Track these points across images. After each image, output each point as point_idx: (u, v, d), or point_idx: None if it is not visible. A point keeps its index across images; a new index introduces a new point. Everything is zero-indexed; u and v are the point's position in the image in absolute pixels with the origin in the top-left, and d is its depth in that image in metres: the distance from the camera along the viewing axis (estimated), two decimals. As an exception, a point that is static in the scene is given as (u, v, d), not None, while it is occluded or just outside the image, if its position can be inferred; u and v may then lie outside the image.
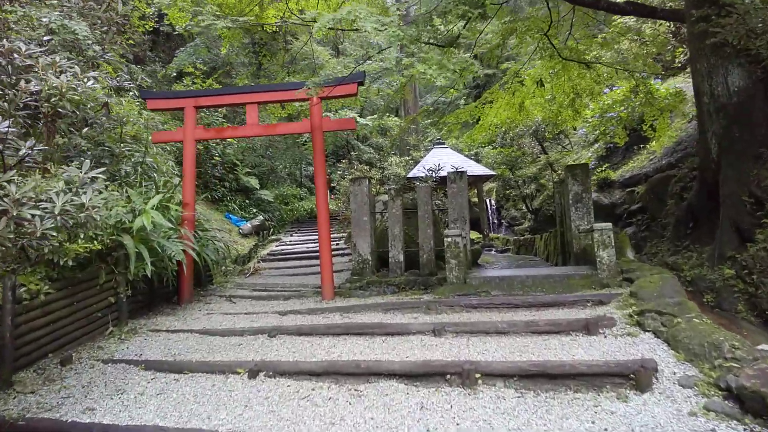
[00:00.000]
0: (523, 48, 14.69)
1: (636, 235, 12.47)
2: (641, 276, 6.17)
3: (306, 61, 17.93)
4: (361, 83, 7.78)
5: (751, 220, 7.38)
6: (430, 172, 13.60)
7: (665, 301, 5.29)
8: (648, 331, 5.12)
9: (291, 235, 17.64)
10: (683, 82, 15.77)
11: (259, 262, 12.59)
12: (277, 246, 15.49)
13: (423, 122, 24.34)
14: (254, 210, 18.66)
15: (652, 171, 13.43)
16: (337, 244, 12.99)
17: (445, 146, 19.71)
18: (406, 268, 9.48)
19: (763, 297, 6.50)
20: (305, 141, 21.92)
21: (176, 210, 7.33)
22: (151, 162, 8.12)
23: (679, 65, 16.87)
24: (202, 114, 15.96)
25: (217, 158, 17.62)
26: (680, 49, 16.13)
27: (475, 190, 19.78)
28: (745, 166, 7.75)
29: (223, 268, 10.04)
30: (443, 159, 18.36)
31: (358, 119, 19.01)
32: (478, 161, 22.54)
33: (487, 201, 23.71)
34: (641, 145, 16.11)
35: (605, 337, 5.09)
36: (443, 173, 14.81)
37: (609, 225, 6.87)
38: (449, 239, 7.38)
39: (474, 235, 20.58)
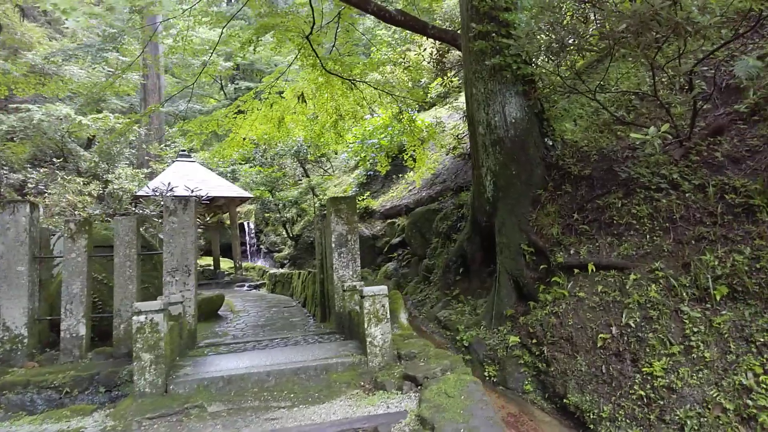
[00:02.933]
0: (283, 50, 12.48)
1: (397, 272, 11.04)
2: (429, 372, 4.10)
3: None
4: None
5: (532, 274, 6.06)
6: (156, 192, 10.16)
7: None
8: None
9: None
10: (434, 116, 15.40)
11: None
12: None
13: (170, 131, 20.28)
14: None
15: (412, 203, 12.29)
16: None
17: (192, 160, 16.23)
18: (94, 346, 6.07)
19: (557, 376, 5.06)
20: (5, 140, 16.01)
21: None
22: None
23: (436, 96, 16.56)
24: None
25: None
26: (440, 79, 15.72)
27: (228, 213, 16.72)
28: (523, 210, 6.49)
29: None
30: (189, 175, 14.93)
31: (75, 116, 14.31)
32: (235, 180, 19.52)
33: (246, 225, 20.78)
34: (400, 175, 15.25)
35: None
36: (184, 193, 11.46)
37: (383, 289, 4.75)
38: (142, 318, 4.34)
39: (226, 264, 17.42)
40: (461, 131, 12.83)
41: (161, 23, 12.88)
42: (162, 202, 10.14)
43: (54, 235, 7.54)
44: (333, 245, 6.70)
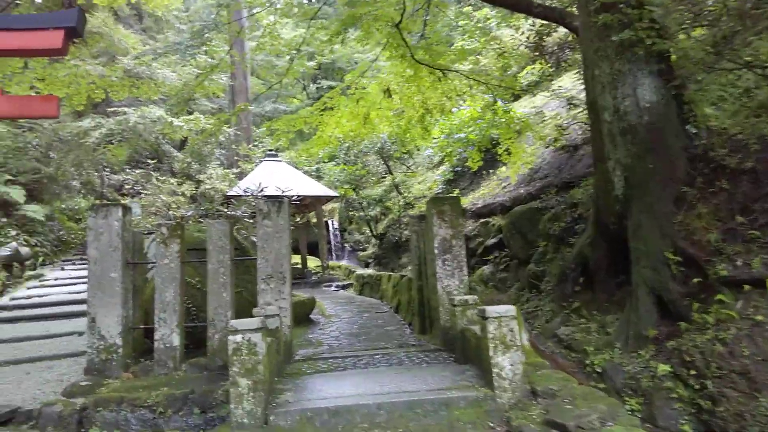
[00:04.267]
0: (370, 42, 11.90)
1: (494, 276, 10.13)
2: (582, 421, 3.24)
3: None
4: (74, 31, 3.94)
5: (681, 289, 5.00)
6: (248, 192, 9.89)
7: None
8: None
9: (62, 269, 12.57)
10: (528, 106, 14.22)
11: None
12: (28, 288, 10.48)
13: (257, 131, 20.45)
14: (14, 233, 13.18)
15: (508, 201, 11.27)
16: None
17: (278, 159, 16.11)
18: (189, 355, 5.75)
19: (728, 419, 4.03)
20: (105, 142, 16.72)
21: None
22: None
23: (527, 84, 15.34)
24: None
25: (-49, 159, 12.03)
26: (530, 67, 14.54)
27: (314, 212, 16.48)
28: (665, 211, 5.42)
29: None
30: (275, 175, 14.78)
31: (170, 118, 14.57)
32: (319, 178, 19.32)
33: (330, 223, 20.56)
34: (490, 170, 14.24)
35: None
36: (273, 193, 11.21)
37: (511, 310, 3.95)
38: (238, 338, 3.82)
39: (313, 263, 17.22)
40: (564, 120, 11.66)
41: (246, 18, 12.73)
42: (253, 203, 9.89)
43: (148, 236, 7.36)
44: (435, 251, 5.97)
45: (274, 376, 4.53)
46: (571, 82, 12.73)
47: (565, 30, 10.66)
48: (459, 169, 15.52)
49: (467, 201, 13.80)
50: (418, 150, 19.17)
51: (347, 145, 18.37)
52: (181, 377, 5.33)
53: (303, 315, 8.70)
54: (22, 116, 3.72)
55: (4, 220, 13.51)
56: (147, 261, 6.24)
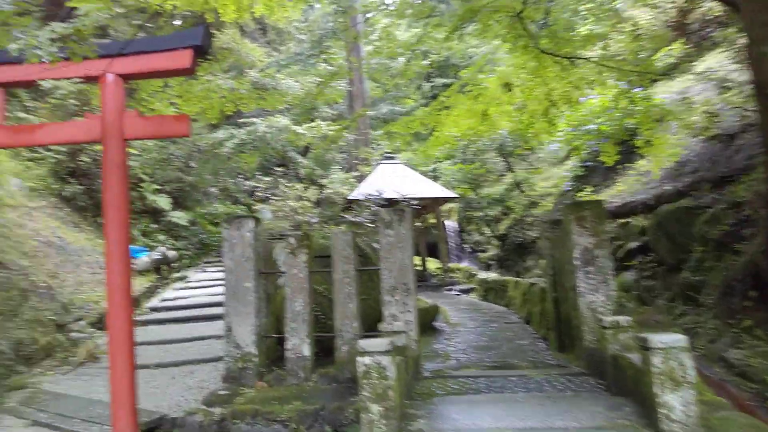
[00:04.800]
0: (488, 36, 11.32)
1: (638, 284, 9.07)
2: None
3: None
4: (200, 49, 3.97)
5: None
6: (368, 197, 9.83)
7: None
8: None
9: (204, 270, 13.56)
10: (668, 91, 12.62)
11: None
12: (175, 290, 11.42)
13: (374, 133, 20.66)
14: (162, 237, 14.52)
15: (651, 199, 10.07)
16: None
17: (396, 161, 16.06)
18: (318, 363, 5.75)
19: None
20: (237, 151, 17.89)
21: None
22: None
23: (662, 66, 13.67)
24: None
25: (112, 173, 13.45)
26: (672, 49, 12.93)
27: (433, 213, 16.19)
28: None
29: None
30: (393, 178, 14.73)
31: (294, 126, 15.14)
32: (436, 178, 19.02)
33: (448, 224, 20.18)
34: (626, 164, 12.90)
35: None
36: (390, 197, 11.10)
37: (680, 341, 3.30)
38: (367, 361, 3.62)
39: (432, 265, 16.96)
40: (715, 105, 10.18)
41: (363, 22, 12.77)
42: (373, 207, 9.85)
43: (278, 240, 7.51)
44: (575, 263, 5.34)
45: (404, 399, 4.27)
46: (717, 63, 11.12)
47: (709, 5, 9.29)
48: (590, 163, 14.30)
49: (601, 199, 12.66)
50: (542, 145, 18.11)
51: (465, 143, 17.88)
52: (312, 388, 5.30)
53: (427, 323, 8.42)
54: (156, 136, 3.87)
55: (154, 226, 14.92)
56: (278, 270, 6.34)
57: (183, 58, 3.98)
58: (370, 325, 6.40)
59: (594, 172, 14.17)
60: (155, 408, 4.78)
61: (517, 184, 16.69)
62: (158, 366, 6.38)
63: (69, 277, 9.30)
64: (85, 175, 13.26)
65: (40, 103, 12.21)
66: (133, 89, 9.66)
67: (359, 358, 3.75)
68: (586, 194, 12.75)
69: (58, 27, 3.02)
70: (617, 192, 11.99)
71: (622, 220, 10.74)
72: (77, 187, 12.85)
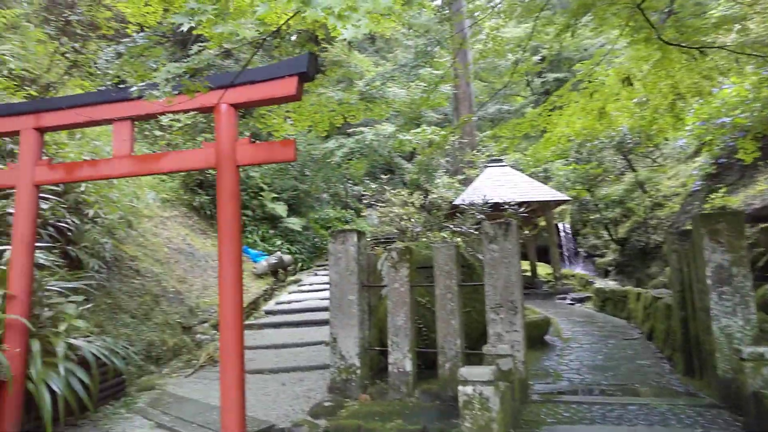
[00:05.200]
0: (604, 29, 10.49)
1: (786, 300, 7.87)
2: None
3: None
4: (305, 75, 4.08)
5: None
6: (472, 204, 9.54)
7: None
8: None
9: (316, 274, 14.13)
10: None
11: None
12: (289, 293, 12.02)
13: (480, 135, 20.21)
14: (279, 242, 15.39)
15: (803, 200, 8.72)
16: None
17: (503, 164, 15.55)
18: (421, 377, 5.72)
19: None
20: (346, 159, 18.47)
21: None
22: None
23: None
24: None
25: (234, 184, 14.52)
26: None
27: (544, 216, 15.44)
28: None
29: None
30: (500, 180, 14.30)
31: (400, 134, 15.25)
32: (547, 179, 18.13)
33: (561, 226, 19.18)
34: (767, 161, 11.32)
35: None
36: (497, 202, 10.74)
37: None
38: (469, 390, 3.46)
39: (543, 270, 16.19)
40: None
41: (470, 27, 12.50)
42: (477, 215, 9.59)
43: (385, 244, 7.57)
44: (708, 281, 4.75)
45: (509, 428, 4.06)
46: None
47: None
48: (723, 160, 12.77)
49: (738, 201, 11.25)
50: (667, 141, 16.52)
51: (579, 142, 16.84)
52: (414, 405, 5.27)
53: (537, 337, 8.03)
54: (266, 162, 4.05)
55: (272, 231, 15.86)
56: (380, 285, 6.38)
57: (289, 86, 4.11)
58: (477, 338, 6.24)
59: (729, 170, 12.63)
60: (265, 417, 5.03)
61: (639, 184, 15.33)
62: (271, 371, 6.74)
63: (196, 282, 10.15)
64: (212, 185, 14.43)
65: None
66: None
67: (461, 388, 3.64)
68: (719, 195, 11.39)
69: (172, 67, 3.25)
70: (757, 192, 10.57)
71: (763, 225, 9.42)
72: (205, 197, 14.03)
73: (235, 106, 4.26)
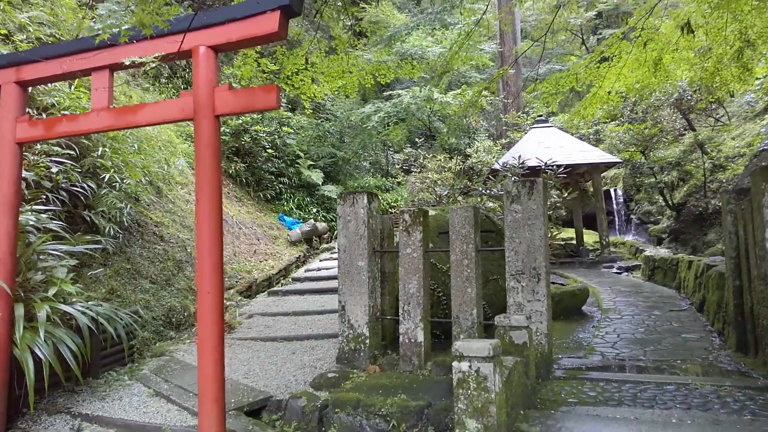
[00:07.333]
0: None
1: None
2: None
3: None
4: (289, 9, 3.50)
5: None
6: (507, 167, 8.79)
7: None
8: None
9: (350, 242, 13.79)
10: None
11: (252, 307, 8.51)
12: (320, 261, 11.75)
13: (527, 96, 19.01)
14: (314, 210, 15.13)
15: None
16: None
17: (549, 125, 14.50)
18: (437, 348, 5.26)
19: None
20: (384, 124, 17.84)
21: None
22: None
23: None
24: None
25: (270, 151, 14.33)
26: None
27: (591, 182, 14.39)
28: None
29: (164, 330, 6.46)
30: (545, 143, 13.34)
31: (437, 95, 14.49)
32: (598, 142, 16.88)
33: (613, 191, 17.95)
34: None
35: None
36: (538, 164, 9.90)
37: None
38: (464, 367, 2.97)
39: (590, 238, 15.17)
40: None
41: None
42: (513, 178, 8.85)
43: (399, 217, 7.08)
44: (768, 245, 3.95)
45: (519, 408, 3.53)
46: None
47: None
48: (798, 116, 11.33)
49: (814, 159, 9.92)
50: (732, 96, 14.89)
51: (633, 100, 15.46)
52: (424, 378, 4.81)
53: (573, 308, 7.34)
54: (247, 110, 3.57)
55: (308, 199, 15.62)
56: (391, 249, 5.89)
57: (271, 22, 3.61)
58: (503, 308, 5.68)
59: (806, 127, 11.18)
60: (264, 387, 4.71)
61: (699, 145, 13.92)
62: (284, 339, 6.44)
63: (227, 248, 10.01)
64: (248, 153, 14.27)
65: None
66: (277, 70, 9.89)
67: (455, 364, 3.14)
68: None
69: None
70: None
71: None
72: (240, 164, 13.88)
73: (215, 49, 3.80)
